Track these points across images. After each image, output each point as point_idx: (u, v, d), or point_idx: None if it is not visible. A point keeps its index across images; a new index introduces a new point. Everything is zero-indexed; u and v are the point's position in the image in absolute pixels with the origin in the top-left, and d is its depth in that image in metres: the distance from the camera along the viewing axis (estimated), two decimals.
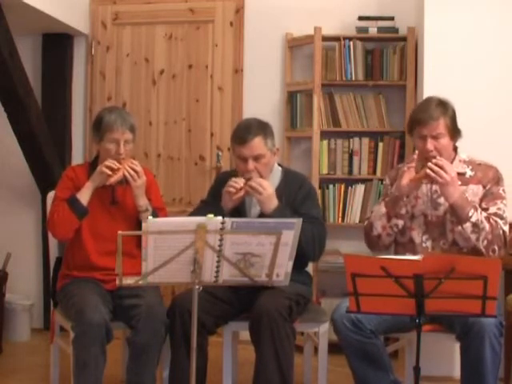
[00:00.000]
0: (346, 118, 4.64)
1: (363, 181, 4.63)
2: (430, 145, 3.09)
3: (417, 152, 3.22)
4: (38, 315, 4.98)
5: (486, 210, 3.12)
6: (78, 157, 5.02)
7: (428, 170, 3.03)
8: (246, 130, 3.25)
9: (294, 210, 3.26)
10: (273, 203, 3.19)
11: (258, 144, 3.22)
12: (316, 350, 3.42)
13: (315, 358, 3.44)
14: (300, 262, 2.93)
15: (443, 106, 3.13)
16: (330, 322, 3.12)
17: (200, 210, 3.20)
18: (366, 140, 4.63)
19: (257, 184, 3.17)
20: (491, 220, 3.08)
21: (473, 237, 3.06)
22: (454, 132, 3.15)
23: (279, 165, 3.46)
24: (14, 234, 4.99)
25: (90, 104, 5.01)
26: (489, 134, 3.90)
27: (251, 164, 3.22)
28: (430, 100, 3.19)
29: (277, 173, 3.39)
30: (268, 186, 3.19)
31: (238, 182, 3.19)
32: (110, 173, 3.27)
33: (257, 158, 3.23)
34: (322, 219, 3.42)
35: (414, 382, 2.64)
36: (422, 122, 3.09)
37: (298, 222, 2.69)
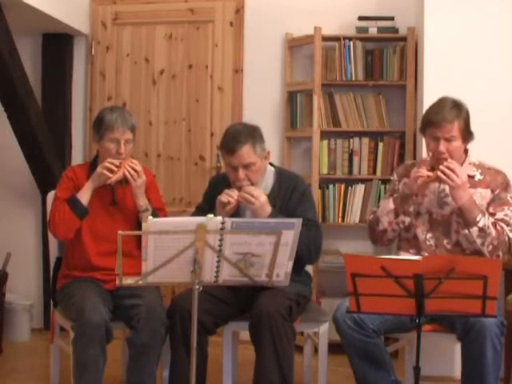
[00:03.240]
0: (346, 118, 4.64)
1: (363, 181, 4.62)
2: (443, 147, 3.08)
3: (430, 154, 3.18)
4: (38, 315, 4.97)
5: (492, 214, 3.11)
6: (78, 157, 5.02)
7: (439, 173, 3.03)
8: (234, 139, 3.18)
9: (288, 212, 3.23)
10: (266, 211, 3.14)
11: (247, 153, 3.16)
12: (316, 350, 3.42)
13: (315, 357, 3.44)
14: (296, 266, 2.90)
15: (457, 108, 3.11)
16: (331, 322, 3.11)
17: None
18: (365, 140, 4.62)
19: (248, 194, 3.12)
20: (497, 226, 3.08)
21: (478, 241, 3.06)
22: (467, 135, 3.13)
23: (272, 164, 3.40)
24: (14, 233, 4.99)
25: (90, 104, 5.01)
26: (488, 133, 3.88)
27: (242, 173, 3.17)
28: (444, 101, 3.15)
29: (269, 174, 3.34)
30: (259, 195, 3.14)
31: (231, 195, 3.14)
32: (109, 175, 3.27)
33: (247, 166, 3.18)
34: (318, 221, 3.38)
35: (414, 382, 2.64)
36: (435, 124, 3.07)
37: (298, 221, 2.68)
